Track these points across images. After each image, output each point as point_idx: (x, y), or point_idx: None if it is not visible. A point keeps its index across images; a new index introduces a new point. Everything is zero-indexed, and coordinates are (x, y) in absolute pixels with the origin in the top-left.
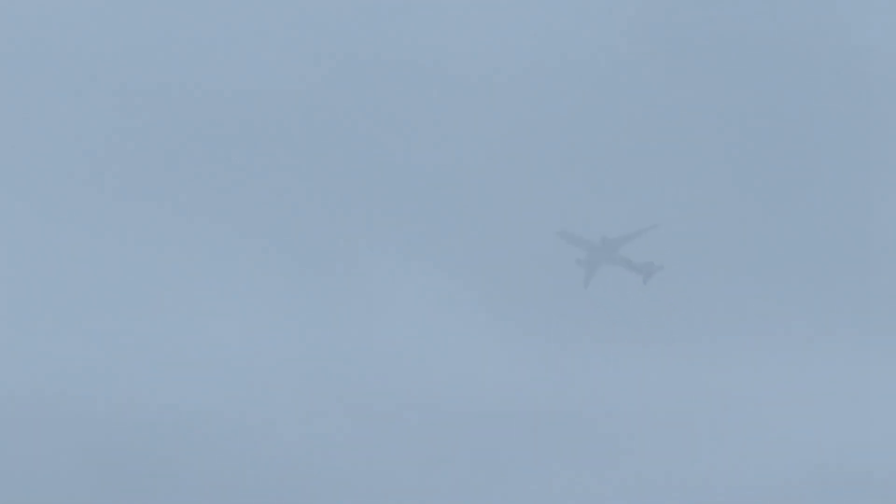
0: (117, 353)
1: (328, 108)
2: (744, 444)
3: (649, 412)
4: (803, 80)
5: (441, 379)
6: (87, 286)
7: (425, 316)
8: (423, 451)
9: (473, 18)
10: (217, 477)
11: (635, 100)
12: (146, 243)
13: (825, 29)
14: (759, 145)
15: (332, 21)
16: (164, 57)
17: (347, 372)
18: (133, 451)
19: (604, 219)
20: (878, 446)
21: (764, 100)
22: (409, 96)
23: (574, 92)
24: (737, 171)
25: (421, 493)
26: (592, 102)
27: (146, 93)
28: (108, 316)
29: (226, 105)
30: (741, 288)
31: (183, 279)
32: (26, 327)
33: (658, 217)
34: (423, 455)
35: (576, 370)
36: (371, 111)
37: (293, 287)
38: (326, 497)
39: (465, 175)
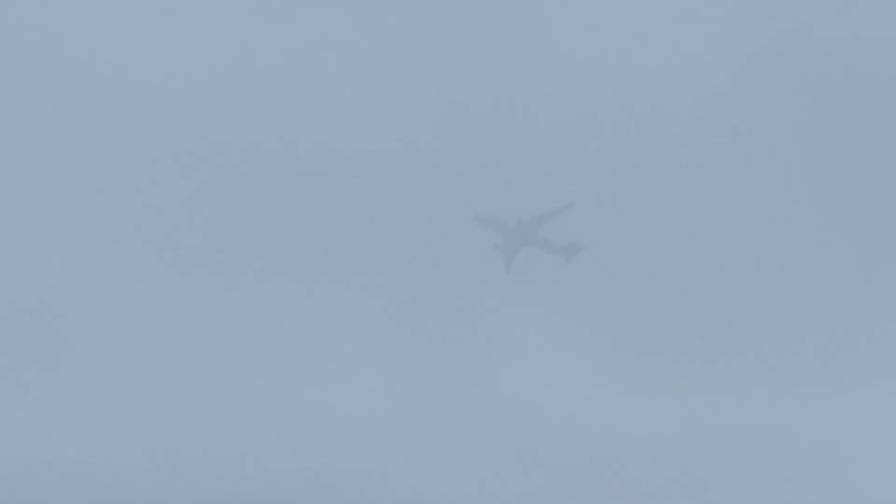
0: (257, 419)
1: (441, 167)
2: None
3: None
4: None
5: (568, 423)
6: (216, 354)
7: (548, 361)
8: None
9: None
10: None
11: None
12: (273, 311)
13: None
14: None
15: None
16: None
17: (476, 420)
18: None
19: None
20: None
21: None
22: (517, 150)
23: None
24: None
25: None
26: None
27: (269, 157)
28: (243, 383)
29: (343, 167)
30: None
31: (307, 343)
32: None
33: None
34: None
35: (700, 409)
36: (476, 161)
37: (418, 341)
38: None
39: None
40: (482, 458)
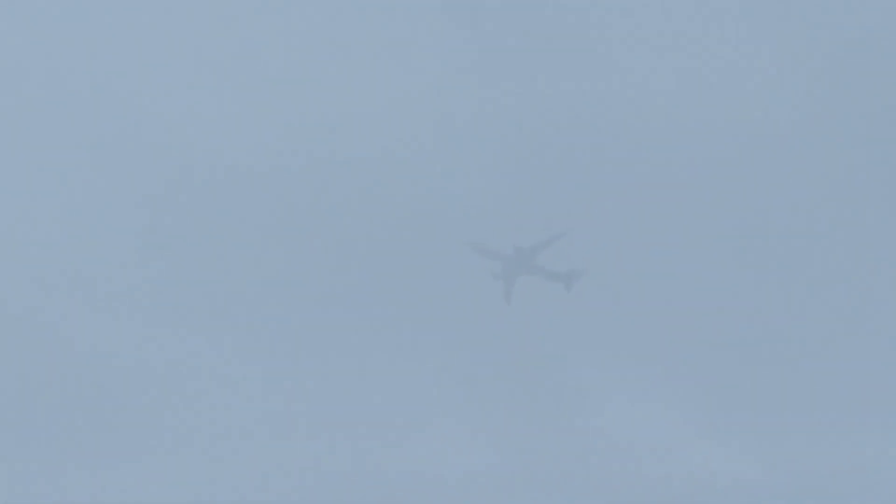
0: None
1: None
2: None
3: None
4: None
5: (655, 471)
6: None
7: (628, 406)
8: None
9: None
10: None
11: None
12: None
13: None
14: None
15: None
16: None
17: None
18: None
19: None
20: None
21: None
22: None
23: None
24: None
25: None
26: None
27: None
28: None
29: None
30: None
31: (389, 398)
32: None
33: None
34: None
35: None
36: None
37: (499, 396)
38: None
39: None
40: None
